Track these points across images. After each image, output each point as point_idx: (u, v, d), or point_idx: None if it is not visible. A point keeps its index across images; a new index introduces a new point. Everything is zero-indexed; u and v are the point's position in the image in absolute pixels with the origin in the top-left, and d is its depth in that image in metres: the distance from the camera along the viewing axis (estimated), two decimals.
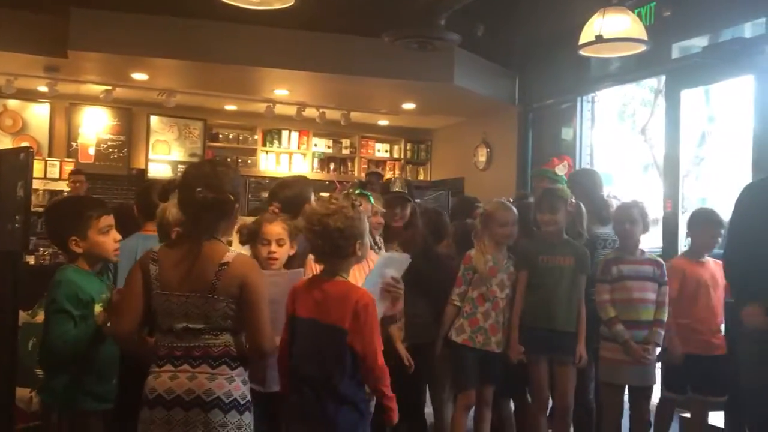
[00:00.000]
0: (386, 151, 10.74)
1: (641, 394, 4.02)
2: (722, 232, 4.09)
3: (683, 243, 6.20)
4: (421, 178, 10.80)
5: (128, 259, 3.56)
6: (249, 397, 2.39)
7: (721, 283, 4.10)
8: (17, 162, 3.93)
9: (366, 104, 9.17)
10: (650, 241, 6.25)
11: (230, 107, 9.54)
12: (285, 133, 10.09)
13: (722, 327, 4.13)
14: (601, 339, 4.01)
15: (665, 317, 3.95)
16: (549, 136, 8.01)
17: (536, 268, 3.93)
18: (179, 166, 9.44)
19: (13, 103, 8.72)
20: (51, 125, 8.96)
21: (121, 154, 9.31)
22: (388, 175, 10.18)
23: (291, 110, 9.09)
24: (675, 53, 6.11)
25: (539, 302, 3.91)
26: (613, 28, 4.73)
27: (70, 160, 8.67)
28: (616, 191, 5.84)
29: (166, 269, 2.37)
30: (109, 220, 2.79)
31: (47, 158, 8.53)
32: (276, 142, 10.08)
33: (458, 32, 5.81)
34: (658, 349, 4.00)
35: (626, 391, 4.08)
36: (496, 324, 3.86)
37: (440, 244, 4.21)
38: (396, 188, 4.10)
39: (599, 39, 4.71)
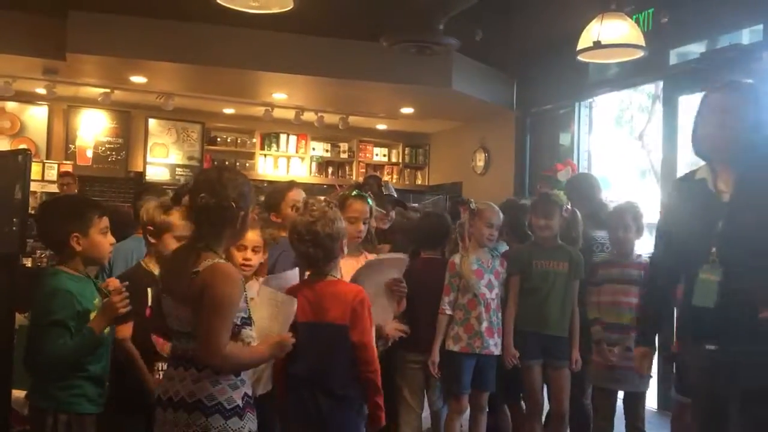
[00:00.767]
0: (384, 156, 10.74)
1: (634, 399, 4.00)
2: None
3: None
4: (419, 182, 10.81)
5: (124, 261, 3.58)
6: (238, 403, 2.30)
7: None
8: (15, 164, 3.92)
9: (364, 108, 9.18)
10: (646, 247, 6.26)
11: (229, 111, 9.54)
12: (283, 137, 10.09)
13: None
14: (592, 343, 4.02)
15: None
16: (547, 141, 8.03)
17: (530, 273, 3.94)
18: (177, 169, 9.45)
19: (11, 106, 8.72)
20: (49, 128, 8.95)
21: (119, 157, 9.30)
22: (385, 179, 10.17)
23: (289, 114, 9.09)
24: (673, 59, 6.13)
25: (532, 307, 3.92)
26: (611, 34, 4.75)
27: (68, 162, 8.66)
28: (612, 197, 5.85)
29: (164, 273, 2.42)
30: (107, 221, 2.79)
31: (45, 161, 8.53)
32: (274, 145, 10.08)
33: (457, 37, 5.82)
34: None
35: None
36: (491, 326, 3.86)
37: (442, 248, 4.19)
38: (387, 191, 4.16)
39: (597, 44, 4.72)
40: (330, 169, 10.47)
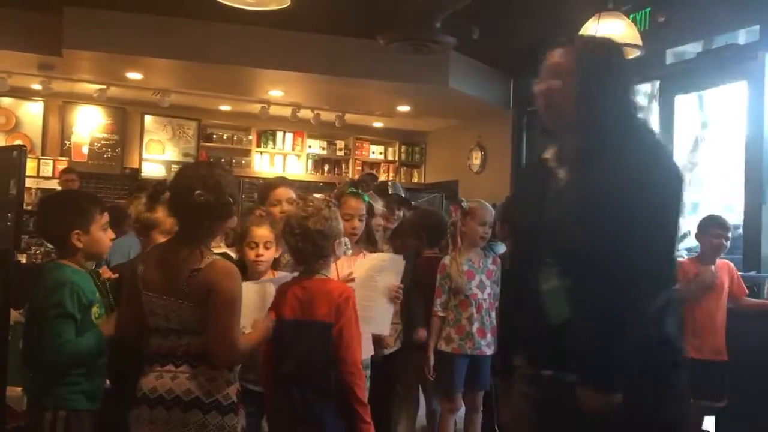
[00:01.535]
0: (381, 153, 10.74)
1: None
2: (729, 235, 4.15)
3: (677, 248, 6.23)
4: (415, 180, 10.81)
5: (121, 258, 3.58)
6: (234, 399, 2.33)
7: (725, 288, 4.14)
8: (10, 160, 3.92)
9: (361, 106, 9.17)
10: None
11: (225, 108, 9.53)
12: (279, 134, 10.08)
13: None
14: None
15: None
16: (543, 140, 8.02)
17: None
18: (173, 165, 9.41)
19: (6, 101, 8.69)
20: (44, 123, 8.92)
21: (114, 154, 9.28)
22: (382, 177, 10.18)
23: (286, 111, 9.08)
24: (669, 59, 6.14)
25: None
26: (607, 33, 4.74)
27: (64, 158, 8.64)
28: None
29: (148, 270, 2.37)
30: (107, 217, 2.80)
31: (40, 156, 8.50)
32: (270, 143, 10.07)
33: (454, 35, 5.82)
34: None
35: None
36: (483, 326, 3.86)
37: (438, 246, 4.20)
38: (394, 191, 4.15)
39: None
40: (326, 167, 10.47)
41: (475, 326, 3.84)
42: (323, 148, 10.38)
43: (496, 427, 4.34)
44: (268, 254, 3.00)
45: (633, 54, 5.01)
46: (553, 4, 6.51)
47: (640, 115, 2.15)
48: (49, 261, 3.65)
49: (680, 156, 6.52)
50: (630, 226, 1.87)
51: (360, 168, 10.37)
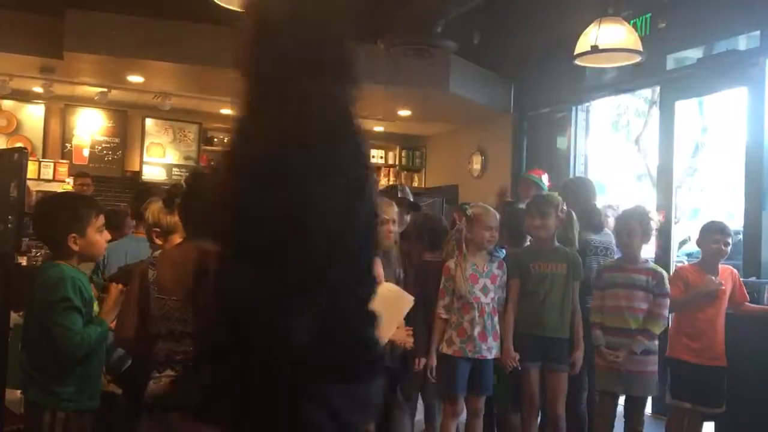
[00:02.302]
0: (381, 158, 10.73)
1: (635, 404, 4.02)
2: (729, 241, 4.15)
3: (677, 253, 6.23)
4: (415, 184, 10.79)
5: (118, 260, 3.57)
6: None
7: (727, 294, 4.14)
8: (11, 162, 3.92)
9: (361, 110, 9.13)
10: (644, 251, 6.28)
11: (226, 111, 9.51)
12: None
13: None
14: (594, 348, 4.02)
15: (656, 329, 3.93)
16: (543, 145, 8.03)
17: (528, 276, 3.94)
18: (174, 169, 9.43)
19: (7, 104, 8.69)
20: (45, 126, 8.93)
21: (115, 157, 9.29)
22: (382, 181, 10.17)
23: None
24: (670, 64, 6.14)
25: (530, 310, 3.92)
26: (608, 39, 4.76)
27: (64, 161, 8.64)
28: (613, 201, 5.87)
29: (164, 274, 2.37)
30: (103, 219, 2.80)
31: (41, 159, 8.50)
32: None
33: (454, 40, 5.83)
34: (651, 357, 3.97)
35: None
36: (485, 330, 3.86)
37: (438, 250, 4.20)
38: (402, 194, 4.16)
39: (595, 49, 4.73)
40: None
41: (477, 330, 3.83)
42: None
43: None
44: None
45: (634, 60, 5.03)
46: (553, 9, 6.53)
47: None
48: (45, 262, 3.67)
49: (680, 161, 6.52)
50: None
51: None
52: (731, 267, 4.32)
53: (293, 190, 1.43)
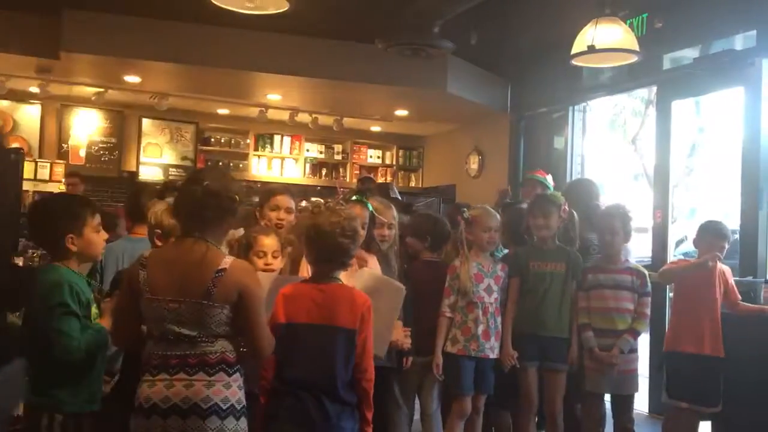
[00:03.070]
0: (378, 157, 10.74)
1: (623, 402, 4.03)
2: (726, 245, 4.17)
3: (674, 253, 6.24)
4: (412, 184, 10.82)
5: (114, 262, 3.56)
6: (245, 402, 2.38)
7: (719, 283, 4.15)
8: (7, 162, 3.92)
9: (359, 110, 9.18)
10: (640, 251, 6.29)
11: (223, 111, 9.53)
12: (277, 138, 10.09)
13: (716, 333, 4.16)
14: (584, 350, 4.02)
15: (642, 328, 3.97)
16: (541, 145, 8.05)
17: (527, 275, 3.95)
18: (170, 169, 9.43)
19: (4, 104, 8.68)
20: (42, 126, 8.92)
21: (112, 157, 9.28)
22: (380, 181, 10.17)
23: (284, 115, 9.08)
24: (666, 64, 6.15)
25: (529, 309, 3.93)
26: (605, 39, 4.76)
27: (61, 161, 8.62)
28: (605, 201, 5.87)
29: (156, 273, 2.34)
30: (99, 218, 2.79)
31: (38, 159, 8.47)
32: (268, 146, 10.08)
33: (452, 40, 5.83)
34: (635, 355, 4.00)
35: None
36: (489, 329, 3.87)
37: (440, 251, 4.19)
38: (392, 194, 4.16)
39: (591, 49, 4.73)
40: (324, 171, 10.47)
41: (481, 329, 3.84)
42: (321, 152, 10.39)
43: (493, 430, 4.34)
44: (277, 263, 3.00)
45: (631, 59, 5.03)
46: (550, 9, 6.53)
47: None
48: (44, 264, 3.65)
49: (677, 161, 6.53)
50: None
51: (358, 172, 10.37)
52: (726, 268, 4.32)
53: None
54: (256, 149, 10.01)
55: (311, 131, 9.68)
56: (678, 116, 6.23)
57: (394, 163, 10.78)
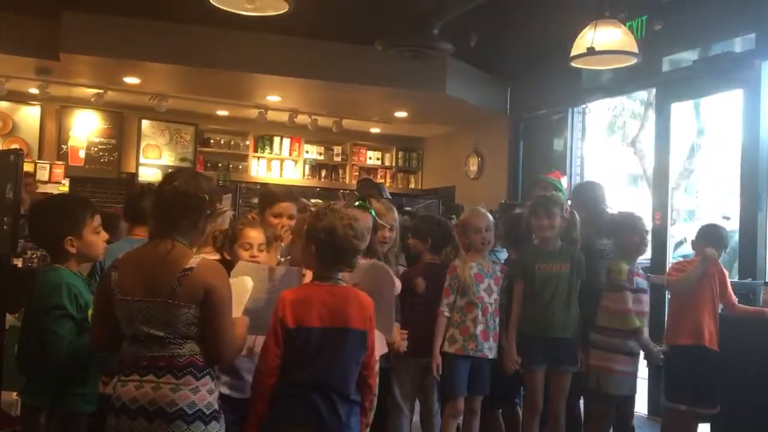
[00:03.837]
0: (378, 159, 10.75)
1: (627, 402, 4.07)
2: (724, 252, 4.20)
3: (672, 255, 6.24)
4: (412, 186, 10.82)
5: None
6: (216, 407, 2.32)
7: (714, 283, 4.16)
8: (7, 164, 3.92)
9: (358, 112, 9.18)
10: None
11: (222, 112, 9.53)
12: (277, 140, 10.09)
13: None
14: (590, 347, 4.02)
15: (646, 328, 4.03)
16: (540, 147, 8.05)
17: (533, 277, 3.95)
18: (170, 170, 9.40)
19: (3, 105, 8.68)
20: (41, 128, 8.92)
21: (111, 158, 9.28)
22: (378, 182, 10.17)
23: (283, 117, 9.08)
24: (666, 66, 6.15)
25: (537, 311, 3.93)
26: (604, 41, 4.76)
27: (61, 162, 8.61)
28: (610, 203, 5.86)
29: (126, 274, 2.33)
30: (99, 219, 2.79)
31: (37, 161, 8.47)
32: (267, 148, 10.08)
33: (451, 42, 5.84)
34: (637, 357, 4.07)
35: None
36: (487, 329, 3.88)
37: (443, 252, 4.19)
38: (384, 195, 4.16)
39: (591, 51, 4.73)
40: (323, 172, 10.47)
41: (479, 328, 3.85)
42: (320, 154, 10.39)
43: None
44: (263, 257, 2.95)
45: (630, 62, 5.03)
46: (550, 12, 6.55)
47: None
48: (45, 265, 3.64)
49: (676, 163, 6.53)
50: None
51: (357, 173, 10.38)
52: (724, 271, 4.32)
53: None
54: (255, 151, 10.01)
55: (311, 133, 9.68)
56: (677, 118, 6.24)
57: (394, 164, 10.78)
